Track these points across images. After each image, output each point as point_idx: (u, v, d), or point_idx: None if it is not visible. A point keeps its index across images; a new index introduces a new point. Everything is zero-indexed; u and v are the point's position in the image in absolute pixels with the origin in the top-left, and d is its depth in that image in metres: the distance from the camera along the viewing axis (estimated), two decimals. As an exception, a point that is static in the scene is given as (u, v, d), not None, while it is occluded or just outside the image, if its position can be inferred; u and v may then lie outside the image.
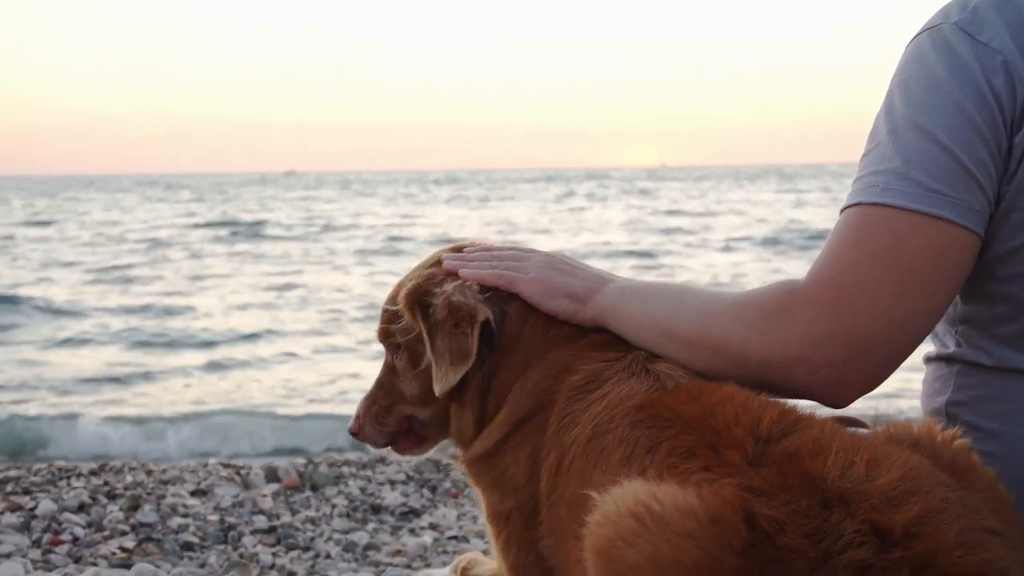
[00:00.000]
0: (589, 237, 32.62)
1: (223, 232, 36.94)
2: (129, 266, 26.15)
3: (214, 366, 13.69)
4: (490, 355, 2.26)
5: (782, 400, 1.91)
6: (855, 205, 1.93)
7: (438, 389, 2.24)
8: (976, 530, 1.54)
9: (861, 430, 2.02)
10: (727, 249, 28.74)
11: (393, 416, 2.45)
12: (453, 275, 2.34)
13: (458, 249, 2.49)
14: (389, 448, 2.51)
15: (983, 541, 1.53)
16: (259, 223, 41.34)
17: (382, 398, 2.46)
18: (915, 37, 2.01)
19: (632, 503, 1.57)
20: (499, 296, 2.30)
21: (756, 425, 1.77)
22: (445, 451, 2.46)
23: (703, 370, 2.03)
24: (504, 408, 2.23)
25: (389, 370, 2.47)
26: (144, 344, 15.39)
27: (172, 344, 15.30)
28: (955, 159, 1.86)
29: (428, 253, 2.54)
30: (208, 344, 15.36)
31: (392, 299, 2.42)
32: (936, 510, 1.54)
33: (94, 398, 11.79)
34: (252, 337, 15.82)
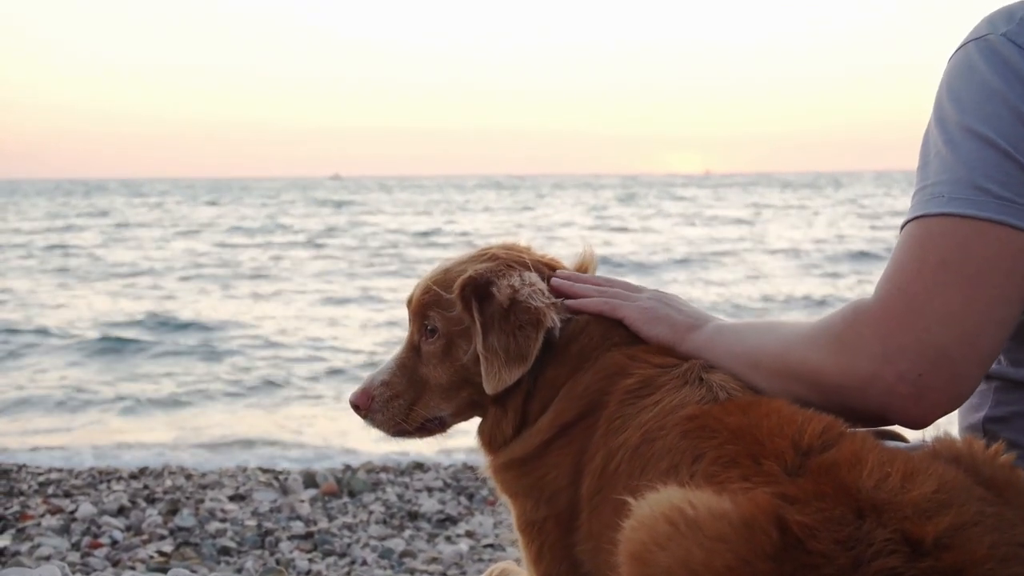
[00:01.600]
0: (613, 245, 32.19)
1: (264, 239, 36.90)
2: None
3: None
4: (538, 357, 2.20)
5: (829, 415, 1.89)
6: (919, 217, 1.89)
7: (490, 388, 2.18)
8: (1010, 544, 1.54)
9: (901, 444, 1.99)
10: (757, 265, 27.98)
11: (413, 418, 2.35)
12: (515, 268, 2.29)
13: (509, 247, 2.42)
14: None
15: (1017, 555, 1.53)
16: (303, 230, 41.19)
17: (404, 390, 2.34)
18: (960, 48, 1.99)
19: (667, 508, 1.58)
20: (563, 305, 2.26)
21: (798, 437, 1.78)
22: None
23: (789, 399, 2.02)
24: (551, 410, 2.19)
25: (412, 350, 2.37)
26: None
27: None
28: (1020, 166, 1.83)
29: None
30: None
31: (442, 283, 2.32)
32: (969, 523, 1.54)
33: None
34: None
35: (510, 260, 2.34)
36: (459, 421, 2.40)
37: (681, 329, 2.24)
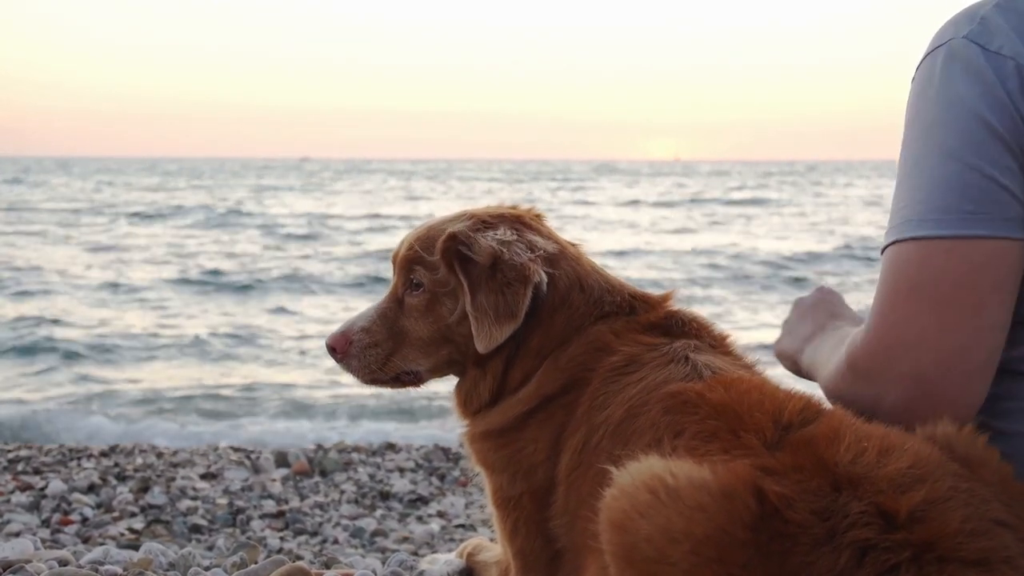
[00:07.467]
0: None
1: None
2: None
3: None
4: (523, 322, 2.18)
5: (809, 393, 1.95)
6: (891, 244, 1.94)
7: (482, 347, 2.16)
8: (982, 519, 1.57)
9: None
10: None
11: (389, 368, 2.32)
12: (492, 225, 2.27)
13: (489, 207, 2.40)
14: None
15: (988, 530, 1.56)
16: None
17: (383, 339, 2.31)
18: (927, 55, 2.01)
19: (648, 477, 1.61)
20: (546, 258, 2.24)
21: (779, 413, 1.82)
22: (456, 438, 2.38)
23: None
24: (533, 381, 2.19)
25: (395, 302, 2.34)
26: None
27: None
28: (984, 175, 1.85)
29: None
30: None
31: (424, 242, 2.30)
32: (942, 498, 1.57)
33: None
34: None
35: (487, 217, 2.33)
36: (435, 377, 2.39)
37: (799, 340, 2.34)
